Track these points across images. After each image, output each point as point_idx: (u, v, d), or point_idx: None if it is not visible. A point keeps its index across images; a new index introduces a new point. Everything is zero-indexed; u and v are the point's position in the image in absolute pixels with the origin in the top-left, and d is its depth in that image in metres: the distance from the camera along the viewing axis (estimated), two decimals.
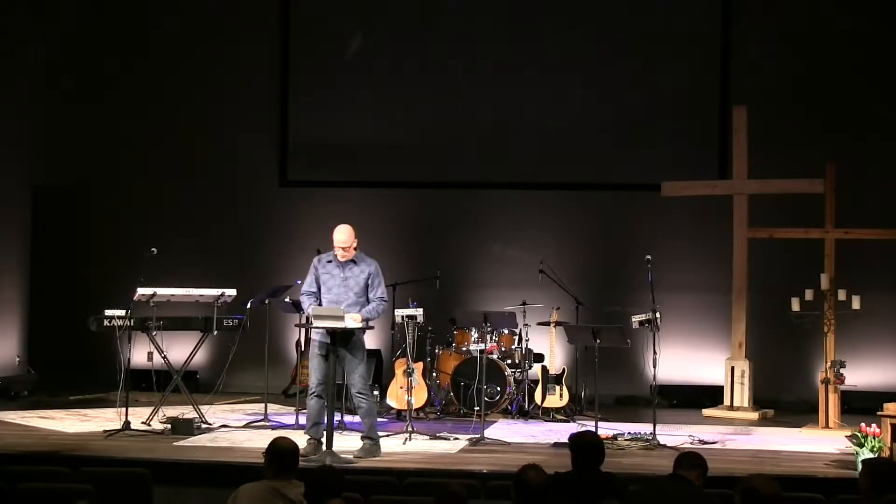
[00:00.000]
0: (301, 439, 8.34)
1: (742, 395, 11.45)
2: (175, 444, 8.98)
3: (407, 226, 12.96)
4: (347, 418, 9.67)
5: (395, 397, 10.73)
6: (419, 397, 10.64)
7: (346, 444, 8.65)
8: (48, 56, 13.25)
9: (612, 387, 11.62)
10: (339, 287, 8.67)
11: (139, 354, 9.90)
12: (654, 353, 9.26)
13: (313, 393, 8.64)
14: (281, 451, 5.71)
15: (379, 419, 10.30)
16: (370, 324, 8.75)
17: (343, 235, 8.66)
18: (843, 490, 6.86)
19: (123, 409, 9.36)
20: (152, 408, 9.94)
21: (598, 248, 12.83)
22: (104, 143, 13.47)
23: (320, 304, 8.66)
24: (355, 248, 8.72)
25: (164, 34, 13.45)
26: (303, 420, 9.84)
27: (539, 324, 11.40)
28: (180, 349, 10.41)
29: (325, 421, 8.41)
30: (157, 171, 13.40)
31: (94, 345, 11.62)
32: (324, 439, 8.39)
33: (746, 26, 12.60)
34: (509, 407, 11.07)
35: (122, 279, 10.77)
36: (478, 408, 10.01)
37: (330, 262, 8.75)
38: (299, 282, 11.39)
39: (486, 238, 12.99)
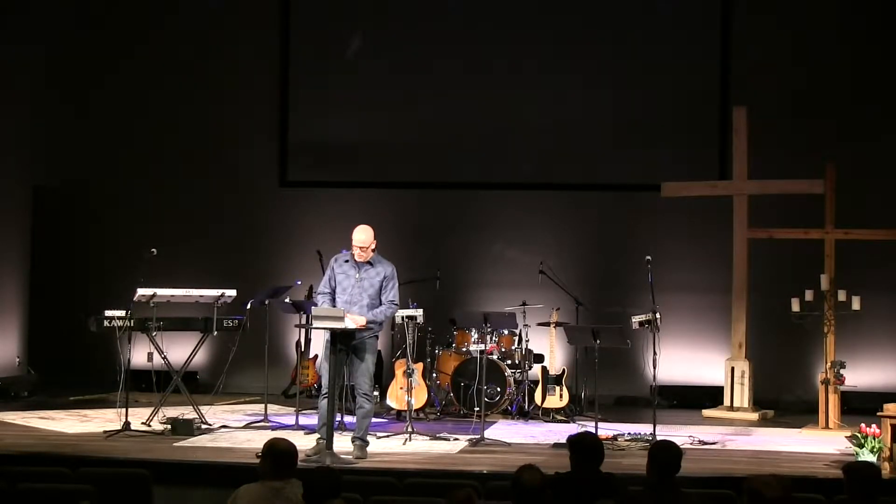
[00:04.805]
0: (300, 440, 8.35)
1: (742, 396, 11.45)
2: (175, 444, 8.98)
3: (407, 226, 12.92)
4: (347, 419, 9.66)
5: (395, 398, 10.72)
6: (419, 398, 10.64)
7: (347, 444, 8.64)
8: (48, 56, 13.24)
9: (612, 387, 11.62)
10: (354, 288, 8.63)
11: (139, 355, 9.87)
12: (654, 353, 9.25)
13: (325, 394, 8.59)
14: (280, 452, 5.70)
15: (379, 419, 10.33)
16: (376, 326, 8.68)
17: (363, 235, 8.60)
18: (843, 491, 6.84)
19: (123, 410, 9.35)
20: (152, 408, 9.93)
21: (598, 248, 12.82)
22: (104, 143, 13.46)
23: (333, 305, 8.63)
24: (373, 250, 8.68)
25: (164, 34, 13.43)
26: (302, 421, 9.86)
27: (539, 324, 11.39)
28: (180, 350, 10.40)
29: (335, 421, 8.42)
30: (157, 171, 13.39)
31: (94, 345, 11.61)
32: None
33: (746, 27, 12.60)
34: (509, 407, 11.06)
35: (122, 279, 10.77)
36: (478, 408, 10.01)
37: (347, 261, 8.70)
38: (299, 282, 11.45)
39: (486, 238, 12.97)
